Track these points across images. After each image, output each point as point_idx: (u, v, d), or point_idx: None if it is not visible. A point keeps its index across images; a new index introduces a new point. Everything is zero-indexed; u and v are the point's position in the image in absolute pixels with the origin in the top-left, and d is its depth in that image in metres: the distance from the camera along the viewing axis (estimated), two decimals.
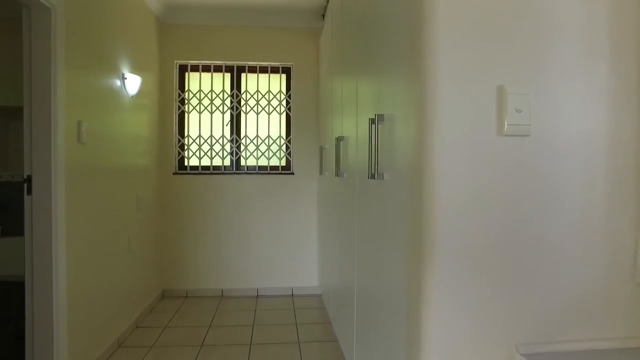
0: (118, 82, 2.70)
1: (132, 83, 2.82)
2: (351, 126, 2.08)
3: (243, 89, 3.83)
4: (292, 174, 3.81)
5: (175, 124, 3.74)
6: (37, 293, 1.95)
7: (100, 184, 2.46)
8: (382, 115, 1.48)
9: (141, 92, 3.12)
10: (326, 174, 3.15)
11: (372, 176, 1.51)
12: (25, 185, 1.93)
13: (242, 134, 3.82)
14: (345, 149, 2.25)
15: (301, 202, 3.82)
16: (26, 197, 1.93)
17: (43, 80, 1.93)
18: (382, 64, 1.50)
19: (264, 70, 3.85)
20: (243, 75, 3.85)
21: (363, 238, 1.79)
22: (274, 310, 3.43)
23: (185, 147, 3.77)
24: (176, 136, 3.75)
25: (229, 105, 3.81)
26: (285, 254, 3.81)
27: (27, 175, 1.93)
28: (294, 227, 3.81)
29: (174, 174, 3.71)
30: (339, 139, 2.35)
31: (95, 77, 2.41)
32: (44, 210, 1.93)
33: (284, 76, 3.89)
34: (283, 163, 3.88)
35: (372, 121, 1.52)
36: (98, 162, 2.44)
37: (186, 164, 3.79)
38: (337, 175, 2.36)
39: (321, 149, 3.27)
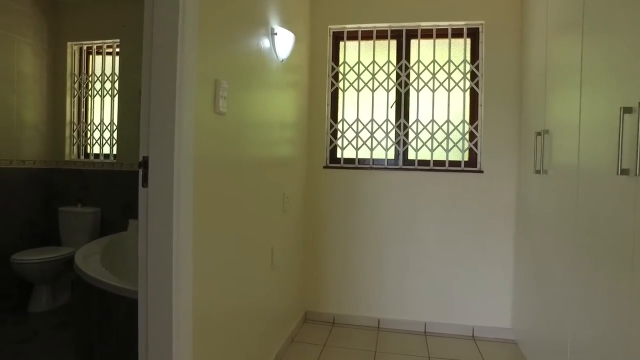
0: (266, 41, 2.01)
1: (284, 42, 2.11)
2: None
3: (414, 59, 2.92)
4: (480, 172, 2.77)
5: (328, 105, 3.00)
6: (152, 317, 1.30)
7: (241, 174, 1.78)
8: None
9: (290, 61, 2.42)
10: (549, 172, 2.07)
11: None
12: (140, 172, 1.28)
13: (412, 118, 2.90)
14: None
15: (491, 212, 2.75)
16: (141, 190, 1.29)
17: (167, 22, 1.26)
18: None
19: (442, 34, 2.88)
20: (414, 41, 2.93)
21: None
22: None
23: (339, 134, 3.01)
24: (328, 120, 3.00)
25: (395, 81, 2.93)
26: (464, 282, 2.79)
27: (143, 158, 1.28)
28: (478, 246, 2.77)
29: (324, 167, 2.97)
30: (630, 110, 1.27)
31: (236, 27, 1.71)
32: (163, 208, 1.25)
33: (468, 41, 2.86)
34: (466, 157, 2.86)
35: None
36: (240, 143, 1.76)
37: (339, 155, 3.02)
38: (624, 173, 1.29)
39: (539, 135, 2.18)
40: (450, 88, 2.84)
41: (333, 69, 3.00)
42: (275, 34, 2.04)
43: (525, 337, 2.44)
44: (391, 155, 2.93)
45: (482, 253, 2.76)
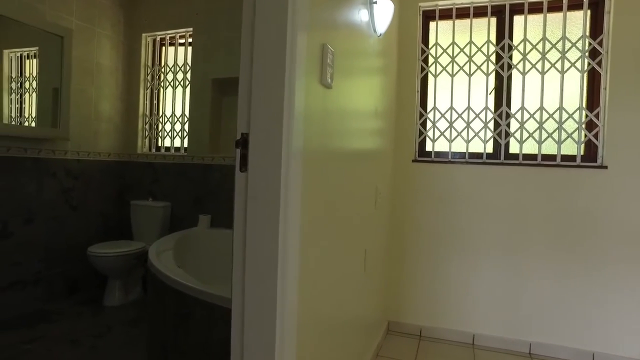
0: (364, 12, 1.74)
1: (383, 12, 1.83)
2: None
3: (518, 38, 2.53)
4: (603, 167, 2.33)
5: (417, 91, 2.68)
6: (250, 329, 1.06)
7: (340, 162, 1.52)
8: None
9: (383, 41, 2.14)
10: None
11: None
12: (238, 153, 1.05)
13: (516, 106, 2.52)
14: None
15: (618, 217, 2.30)
16: (237, 175, 1.06)
17: None
18: None
19: (554, 7, 2.47)
20: (518, 18, 2.55)
21: None
22: None
23: (430, 124, 2.68)
24: (418, 109, 2.69)
25: (495, 64, 2.56)
26: (580, 299, 2.36)
27: (242, 135, 1.05)
28: (599, 257, 2.33)
29: (413, 161, 2.65)
30: None
31: None
32: (268, 197, 1.01)
33: (589, 13, 2.43)
34: (582, 151, 2.43)
35: None
36: (343, 124, 1.50)
37: (429, 148, 2.69)
38: None
39: None
40: (565, 69, 2.42)
41: (423, 51, 2.68)
42: (375, 2, 1.77)
43: None
44: (490, 148, 2.56)
45: (604, 266, 2.32)
